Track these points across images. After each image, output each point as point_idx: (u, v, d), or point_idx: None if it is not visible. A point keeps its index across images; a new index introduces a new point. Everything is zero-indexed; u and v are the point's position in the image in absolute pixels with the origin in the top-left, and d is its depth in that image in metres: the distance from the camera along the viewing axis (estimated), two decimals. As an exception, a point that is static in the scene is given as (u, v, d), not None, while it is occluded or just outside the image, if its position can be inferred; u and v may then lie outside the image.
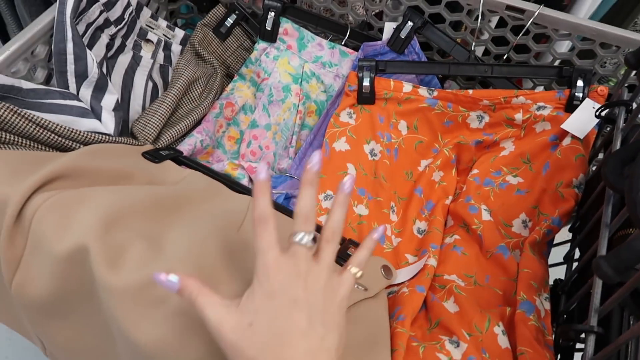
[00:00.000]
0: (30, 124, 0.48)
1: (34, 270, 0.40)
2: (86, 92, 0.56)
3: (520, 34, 0.66)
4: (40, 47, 0.57)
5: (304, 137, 0.73)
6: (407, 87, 0.65)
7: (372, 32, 0.76)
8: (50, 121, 0.49)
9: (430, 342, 0.48)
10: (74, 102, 0.54)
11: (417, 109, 0.66)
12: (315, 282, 0.34)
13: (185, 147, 0.64)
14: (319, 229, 0.36)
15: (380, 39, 0.72)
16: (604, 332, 0.39)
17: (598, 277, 0.37)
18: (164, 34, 0.72)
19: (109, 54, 0.64)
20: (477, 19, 0.66)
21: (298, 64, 0.74)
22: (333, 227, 0.36)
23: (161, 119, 0.63)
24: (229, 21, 0.75)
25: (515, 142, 0.64)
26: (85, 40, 0.58)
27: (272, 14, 0.72)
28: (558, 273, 0.58)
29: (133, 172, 0.49)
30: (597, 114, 0.56)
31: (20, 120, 0.47)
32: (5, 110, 0.46)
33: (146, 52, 0.70)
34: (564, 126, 0.59)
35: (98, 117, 0.56)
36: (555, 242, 0.59)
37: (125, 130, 0.62)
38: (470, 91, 0.64)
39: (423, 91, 0.65)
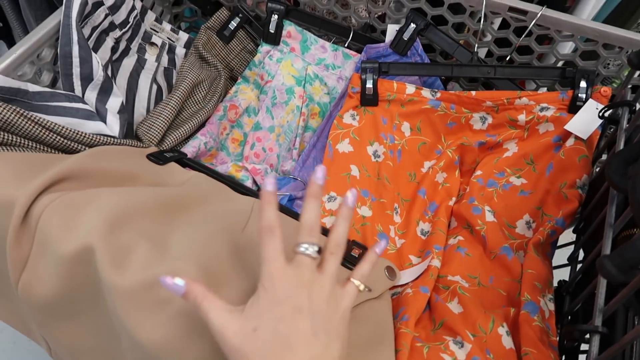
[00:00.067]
0: (36, 127, 0.48)
1: (40, 271, 0.40)
2: (91, 94, 0.56)
3: (523, 36, 0.66)
4: (46, 51, 0.57)
5: (307, 139, 0.73)
6: (410, 89, 0.66)
7: (375, 34, 0.76)
8: (56, 123, 0.50)
9: (435, 343, 0.48)
10: (80, 105, 0.55)
11: (420, 110, 0.66)
12: (319, 292, 0.34)
13: (189, 149, 0.65)
14: (324, 231, 0.36)
15: (383, 41, 0.72)
16: (608, 332, 0.39)
17: (602, 276, 0.37)
18: (168, 37, 0.73)
19: (114, 57, 0.64)
20: (479, 20, 0.66)
21: (301, 67, 0.74)
22: (337, 239, 0.37)
23: (165, 122, 0.63)
24: (233, 24, 0.76)
25: (519, 143, 0.64)
26: (91, 43, 0.59)
27: (275, 17, 0.72)
28: (562, 275, 0.58)
29: (138, 173, 0.50)
30: (601, 114, 0.56)
31: (26, 122, 0.47)
32: (11, 113, 0.46)
33: (150, 55, 0.70)
34: (568, 127, 0.59)
35: (103, 120, 0.57)
36: (559, 243, 0.59)
37: (130, 132, 0.62)
38: (473, 92, 0.64)
39: (426, 93, 0.66)
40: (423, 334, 0.50)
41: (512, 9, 0.64)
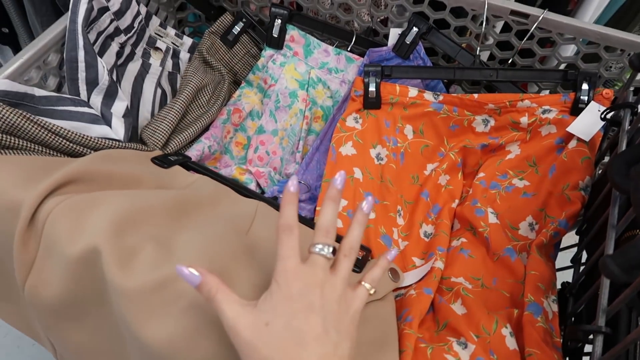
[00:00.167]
0: (42, 130, 0.49)
1: (47, 272, 0.40)
2: (97, 99, 0.57)
3: (525, 39, 0.66)
4: (52, 55, 0.58)
5: (310, 142, 0.74)
6: (413, 92, 0.66)
7: (378, 38, 0.76)
8: (61, 127, 0.50)
9: (438, 344, 0.48)
10: (85, 109, 0.56)
11: (422, 113, 0.67)
12: (331, 292, 0.35)
13: (193, 152, 0.65)
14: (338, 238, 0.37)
15: (386, 45, 0.73)
16: (611, 332, 0.39)
17: (605, 276, 0.37)
18: (172, 42, 0.73)
19: (119, 62, 0.65)
20: (481, 24, 0.66)
21: (304, 70, 0.75)
22: (351, 243, 0.37)
23: (170, 125, 0.64)
24: (236, 29, 0.76)
25: (521, 145, 0.64)
26: (96, 48, 0.59)
27: (278, 21, 0.73)
28: (565, 277, 0.58)
29: (143, 177, 0.50)
30: (603, 116, 0.56)
31: (32, 126, 0.48)
32: (18, 117, 0.47)
33: (155, 59, 0.71)
34: (570, 129, 0.59)
35: (108, 124, 0.57)
36: (562, 246, 0.59)
37: (134, 136, 0.63)
38: (476, 95, 0.64)
39: (429, 96, 0.66)
40: (427, 335, 0.50)
41: (514, 12, 0.64)
